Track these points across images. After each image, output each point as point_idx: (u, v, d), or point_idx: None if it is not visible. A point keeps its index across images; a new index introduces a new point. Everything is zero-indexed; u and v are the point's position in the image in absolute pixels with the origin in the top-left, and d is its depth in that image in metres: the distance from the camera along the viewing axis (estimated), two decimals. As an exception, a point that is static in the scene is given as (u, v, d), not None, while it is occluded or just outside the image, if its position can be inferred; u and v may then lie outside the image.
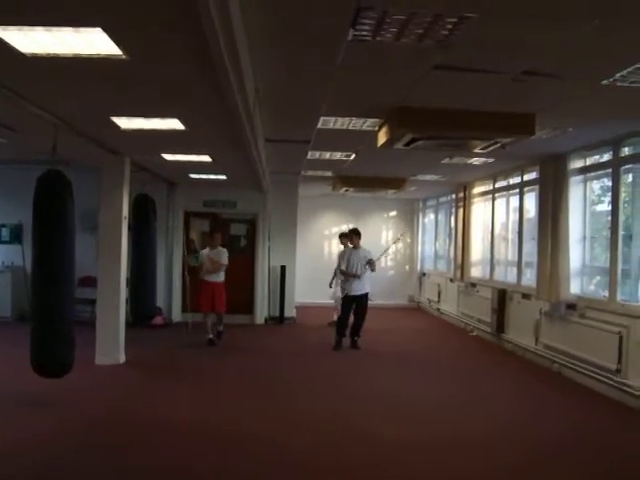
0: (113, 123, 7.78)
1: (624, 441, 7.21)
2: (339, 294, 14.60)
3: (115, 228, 10.33)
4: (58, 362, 6.71)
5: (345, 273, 12.72)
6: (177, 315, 15.67)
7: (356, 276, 12.53)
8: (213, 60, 4.49)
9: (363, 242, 13.02)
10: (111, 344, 10.29)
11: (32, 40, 4.69)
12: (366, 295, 12.70)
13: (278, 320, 16.10)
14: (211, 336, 12.49)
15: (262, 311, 16.19)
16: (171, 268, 15.71)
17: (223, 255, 12.77)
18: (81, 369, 8.15)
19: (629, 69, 5.74)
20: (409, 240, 21.15)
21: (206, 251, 12.97)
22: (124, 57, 5.04)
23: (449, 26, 4.80)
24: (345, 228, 17.95)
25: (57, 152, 6.90)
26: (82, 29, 4.47)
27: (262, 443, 6.79)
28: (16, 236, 14.57)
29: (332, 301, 15.26)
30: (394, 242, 17.84)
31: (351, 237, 13.12)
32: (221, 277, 12.78)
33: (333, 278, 15.30)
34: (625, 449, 6.95)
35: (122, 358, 10.42)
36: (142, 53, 5.06)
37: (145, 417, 7.59)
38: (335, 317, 15.05)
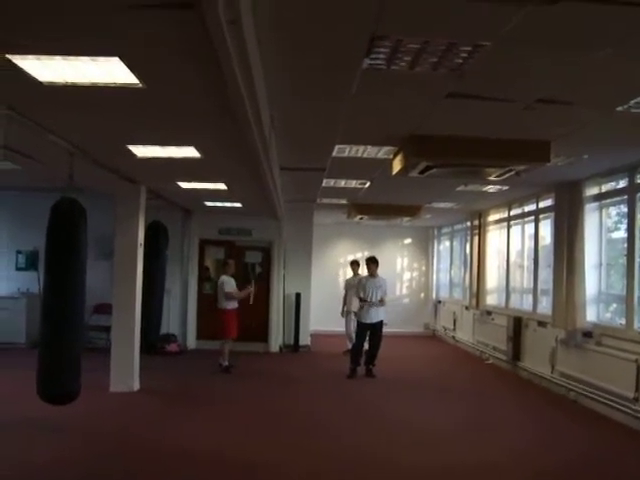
0: (129, 151, 7.84)
1: (641, 470, 7.14)
2: (351, 328, 14.65)
3: (130, 255, 10.35)
4: (63, 390, 6.70)
5: (362, 299, 12.69)
6: (192, 342, 15.65)
7: (370, 304, 12.49)
8: (229, 90, 4.52)
9: (378, 270, 12.99)
10: (125, 371, 10.27)
11: (50, 69, 4.75)
12: (381, 323, 12.65)
13: (293, 348, 16.05)
14: (227, 363, 12.46)
15: (277, 339, 16.15)
16: (186, 295, 15.72)
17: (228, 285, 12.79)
18: (95, 396, 8.18)
19: (644, 96, 5.75)
20: (424, 268, 21.11)
21: (227, 278, 12.94)
22: (141, 86, 5.09)
23: (463, 54, 4.82)
24: (360, 256, 17.98)
25: (73, 179, 6.95)
26: (100, 58, 4.52)
27: (276, 472, 6.75)
28: (32, 263, 14.62)
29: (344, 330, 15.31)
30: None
31: (368, 265, 13.10)
32: (236, 303, 12.77)
33: (344, 306, 15.32)
34: (642, 479, 6.87)
35: (136, 386, 10.41)
36: (158, 82, 5.11)
37: (158, 445, 7.55)
38: (349, 345, 15.05)
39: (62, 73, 4.84)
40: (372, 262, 12.95)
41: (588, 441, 8.29)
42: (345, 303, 15.42)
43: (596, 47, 4.60)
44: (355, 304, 13.50)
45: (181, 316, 15.53)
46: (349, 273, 17.70)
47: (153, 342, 11.49)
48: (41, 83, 5.05)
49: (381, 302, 12.66)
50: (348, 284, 15.54)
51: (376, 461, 7.20)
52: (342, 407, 9.95)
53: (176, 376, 12.03)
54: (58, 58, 4.53)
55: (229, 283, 12.81)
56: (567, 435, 8.54)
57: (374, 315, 12.56)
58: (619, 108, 6.17)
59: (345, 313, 15.46)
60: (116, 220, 10.52)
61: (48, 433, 7.77)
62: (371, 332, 12.57)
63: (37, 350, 6.64)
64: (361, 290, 12.72)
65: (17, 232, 14.73)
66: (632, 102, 5.95)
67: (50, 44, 4.33)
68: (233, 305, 12.75)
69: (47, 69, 4.75)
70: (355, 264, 15.80)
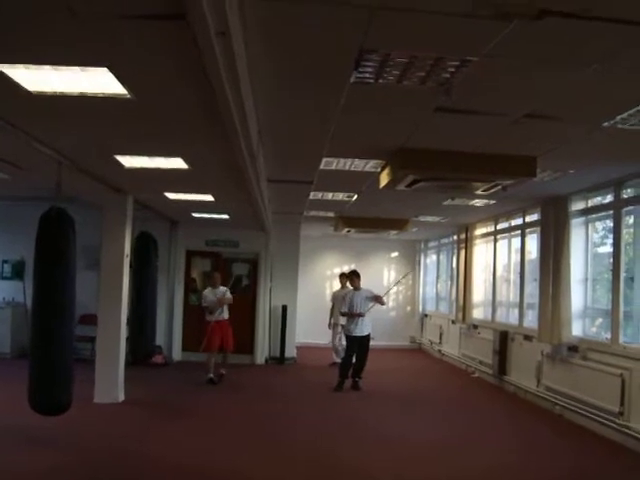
0: (117, 161, 7.83)
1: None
2: (337, 341, 14.70)
3: (117, 266, 10.33)
4: (55, 400, 6.68)
5: (347, 314, 12.68)
6: (177, 354, 15.60)
7: (359, 315, 12.48)
8: (217, 101, 4.54)
9: (365, 283, 13.01)
10: (110, 382, 10.22)
11: (39, 78, 4.75)
12: (367, 336, 12.65)
13: (279, 360, 16.01)
14: (212, 375, 12.44)
15: (263, 351, 16.11)
16: (172, 307, 15.67)
17: (227, 293, 12.81)
18: (79, 407, 8.11)
19: (630, 111, 5.78)
20: (411, 281, 21.14)
21: (208, 291, 12.97)
22: (129, 96, 5.10)
23: (451, 69, 4.85)
24: (346, 269, 17.97)
25: (61, 189, 6.94)
26: (89, 68, 4.53)
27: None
28: (18, 272, 14.56)
29: (330, 343, 15.32)
30: (399, 280, 17.73)
31: (351, 278, 13.12)
32: (226, 314, 12.80)
33: (330, 318, 15.35)
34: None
35: (121, 397, 10.35)
36: (147, 93, 5.12)
37: (141, 458, 7.50)
38: (335, 358, 15.04)
39: (51, 83, 4.84)
40: (355, 276, 12.96)
41: (573, 455, 8.29)
42: (332, 315, 15.43)
43: (583, 63, 4.64)
44: (343, 317, 13.52)
45: (167, 327, 15.47)
46: (336, 286, 17.74)
47: (149, 351, 11.46)
48: (30, 92, 5.05)
49: (381, 302, 12.80)
50: (335, 297, 15.55)
51: (359, 474, 7.19)
52: (328, 420, 9.91)
53: (161, 388, 11.98)
54: (47, 67, 4.53)
55: (207, 296, 12.85)
56: (552, 449, 8.55)
57: (363, 328, 12.53)
58: (605, 124, 6.21)
59: (332, 325, 15.48)
60: (103, 230, 10.49)
61: (29, 444, 7.70)
62: (359, 345, 12.55)
63: (24, 360, 6.60)
64: (346, 305, 12.71)
65: (3, 241, 14.67)
66: (618, 118, 6.00)
67: (39, 53, 4.33)
68: (214, 318, 12.71)
69: (36, 78, 4.76)
70: (343, 277, 15.82)
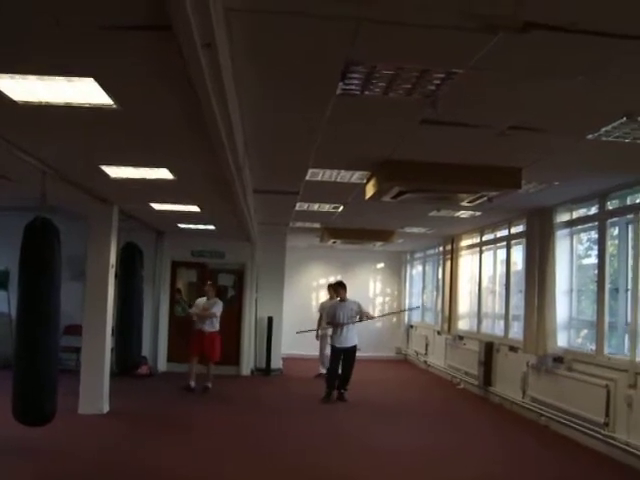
0: (102, 171, 7.82)
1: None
2: (325, 351, 14.70)
3: (102, 276, 10.28)
4: (40, 411, 6.63)
5: (332, 324, 12.69)
6: (163, 365, 15.53)
7: (343, 325, 12.48)
8: (203, 112, 4.53)
9: (351, 294, 13.01)
10: (95, 393, 10.15)
11: (24, 88, 4.74)
12: (354, 347, 12.62)
13: (265, 371, 15.97)
14: (192, 383, 12.49)
15: (248, 362, 16.05)
16: (157, 317, 15.60)
17: (216, 305, 12.85)
18: (64, 418, 8.05)
19: (614, 124, 5.81)
20: (396, 292, 21.16)
21: (199, 300, 13.15)
22: (115, 107, 5.10)
23: (436, 81, 4.87)
24: (332, 280, 17.96)
25: (46, 199, 6.91)
26: (74, 79, 4.52)
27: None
28: (2, 282, 14.42)
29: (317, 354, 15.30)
30: (391, 313, 17.50)
31: (336, 290, 13.13)
32: (214, 326, 12.85)
33: (318, 329, 15.30)
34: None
35: (106, 408, 10.29)
36: (133, 103, 5.12)
37: (125, 469, 7.44)
38: (321, 369, 15.01)
39: (36, 92, 4.83)
40: (341, 287, 12.96)
41: (558, 466, 8.30)
42: (319, 326, 15.38)
43: (568, 75, 4.67)
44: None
45: (152, 338, 15.38)
46: (322, 297, 17.72)
47: (136, 362, 11.42)
48: (15, 102, 5.03)
49: (368, 317, 12.83)
50: (323, 307, 15.53)
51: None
52: (314, 431, 9.89)
53: (146, 399, 11.92)
54: (32, 77, 4.52)
55: (197, 305, 13.19)
56: (538, 460, 8.56)
57: (348, 340, 12.51)
58: (590, 136, 6.24)
59: (320, 337, 15.44)
60: (88, 240, 10.45)
61: (13, 454, 7.63)
62: (344, 357, 12.53)
63: (8, 371, 6.56)
64: (329, 315, 12.74)
65: (-13, 252, 14.57)
66: (602, 130, 6.03)
67: (25, 63, 4.32)
68: (198, 326, 13.09)
69: (21, 88, 4.74)
70: (331, 287, 15.80)
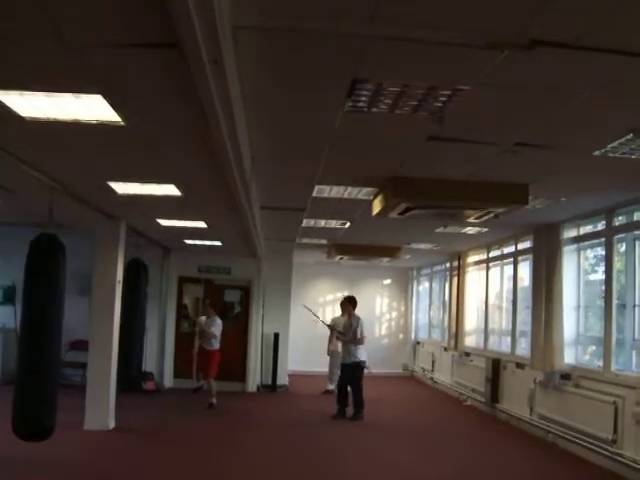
0: (110, 187, 7.84)
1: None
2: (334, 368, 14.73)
3: (109, 292, 10.29)
4: (38, 426, 6.62)
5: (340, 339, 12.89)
6: (169, 381, 15.50)
7: (343, 341, 12.64)
8: (210, 129, 4.56)
9: (358, 310, 12.97)
10: (101, 409, 10.13)
11: (32, 105, 4.77)
12: (355, 364, 12.36)
13: (271, 388, 15.92)
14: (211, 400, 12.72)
15: (255, 379, 16.01)
16: (164, 333, 15.59)
17: (215, 325, 12.97)
18: (69, 434, 8.06)
19: (620, 140, 5.82)
20: (403, 308, 21.13)
21: (203, 319, 13.34)
22: (122, 123, 5.12)
23: (443, 98, 4.88)
24: (340, 296, 17.93)
25: (53, 215, 6.93)
26: (82, 95, 4.54)
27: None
28: (8, 297, 14.45)
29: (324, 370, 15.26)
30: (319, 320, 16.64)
31: (343, 305, 13.11)
32: (212, 345, 12.86)
33: (329, 345, 15.26)
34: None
35: (112, 424, 10.27)
36: (140, 120, 5.14)
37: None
38: (328, 386, 14.97)
39: (44, 109, 4.85)
40: (348, 302, 12.96)
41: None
42: (330, 342, 15.32)
43: (574, 92, 4.68)
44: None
45: (158, 354, 15.38)
46: (328, 313, 17.71)
47: (135, 379, 11.41)
48: (23, 118, 5.06)
49: (354, 340, 12.52)
50: (335, 323, 15.56)
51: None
52: (320, 450, 9.85)
53: (152, 415, 11.88)
54: (41, 94, 4.55)
55: (197, 324, 13.70)
56: (546, 478, 8.51)
57: (349, 355, 12.43)
58: (596, 152, 6.24)
59: (330, 352, 15.37)
60: (95, 256, 10.47)
61: (18, 470, 7.61)
62: (346, 373, 12.45)
63: (13, 386, 6.56)
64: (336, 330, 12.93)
65: (-6, 267, 14.60)
66: (609, 146, 6.03)
67: (33, 80, 4.35)
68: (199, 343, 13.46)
69: (29, 104, 4.77)
70: (343, 303, 15.76)
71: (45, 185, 7.16)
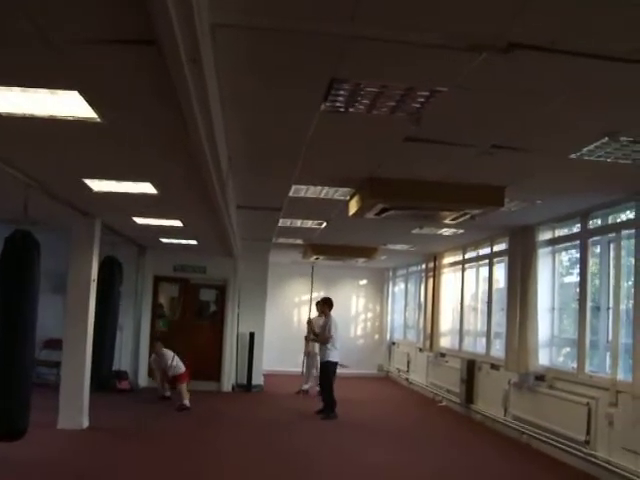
0: (85, 185, 7.78)
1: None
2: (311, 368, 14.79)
3: (83, 290, 10.21)
4: (12, 426, 6.57)
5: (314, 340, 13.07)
6: (144, 380, 15.40)
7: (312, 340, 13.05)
8: (187, 127, 4.53)
9: (333, 310, 13.03)
10: (74, 408, 10.05)
11: (8, 100, 4.72)
12: (325, 363, 12.66)
13: (246, 387, 15.89)
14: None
15: (229, 378, 15.98)
16: (139, 332, 15.50)
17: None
18: (42, 433, 7.99)
19: (596, 144, 5.86)
20: (379, 309, 21.17)
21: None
22: (99, 120, 5.08)
23: (421, 99, 4.89)
24: (315, 296, 17.95)
25: (27, 212, 6.88)
26: (58, 91, 4.51)
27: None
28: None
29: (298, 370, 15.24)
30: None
31: (321, 305, 13.22)
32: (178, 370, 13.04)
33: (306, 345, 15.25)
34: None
35: (85, 423, 10.19)
36: (117, 118, 5.11)
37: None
38: (304, 386, 14.94)
39: (20, 105, 4.81)
40: (324, 303, 13.13)
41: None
42: (307, 343, 15.31)
43: (550, 95, 4.71)
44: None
45: (133, 353, 15.30)
46: (304, 313, 17.69)
47: (106, 378, 11.33)
48: (-2, 114, 5.02)
49: (318, 340, 13.02)
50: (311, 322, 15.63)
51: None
52: (296, 449, 9.84)
53: (126, 414, 11.81)
54: (17, 89, 4.51)
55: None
56: (518, 478, 8.56)
57: (321, 355, 12.79)
58: (572, 155, 6.28)
59: (307, 353, 15.35)
60: (70, 254, 10.38)
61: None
62: (321, 372, 12.85)
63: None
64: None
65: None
66: (585, 149, 6.07)
67: (8, 75, 4.31)
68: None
69: (5, 100, 4.72)
70: (319, 304, 15.80)
71: (20, 182, 7.11)
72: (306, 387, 15.00)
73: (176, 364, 12.97)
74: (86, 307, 10.20)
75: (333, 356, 12.59)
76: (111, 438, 9.87)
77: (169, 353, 13.09)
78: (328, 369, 12.57)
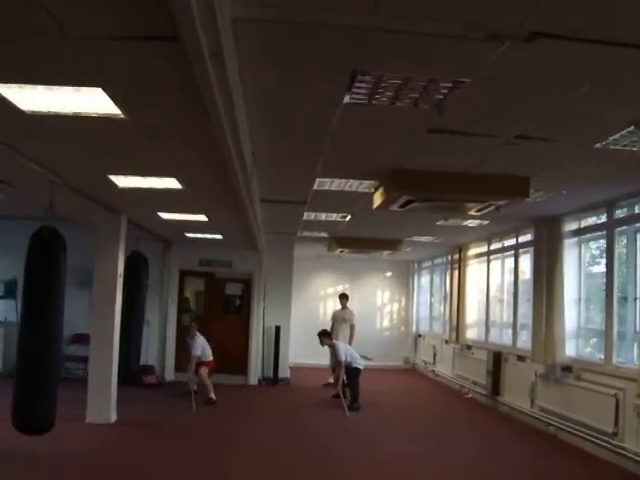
0: (110, 181, 7.84)
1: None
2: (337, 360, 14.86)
3: (110, 286, 10.28)
4: (37, 420, 6.64)
5: None
6: (170, 374, 15.50)
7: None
8: (211, 122, 4.55)
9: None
10: (102, 402, 10.14)
11: (33, 98, 4.76)
12: (352, 369, 12.74)
13: (272, 381, 15.94)
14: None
15: (256, 372, 16.03)
16: (165, 327, 15.61)
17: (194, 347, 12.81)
18: (71, 427, 8.05)
19: (621, 132, 5.81)
20: (404, 301, 21.14)
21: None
22: (123, 117, 5.11)
23: (443, 90, 4.87)
24: (341, 289, 18.00)
25: (53, 208, 6.93)
26: (82, 88, 4.54)
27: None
28: (10, 291, 14.44)
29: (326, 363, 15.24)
30: None
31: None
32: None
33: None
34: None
35: (113, 417, 10.28)
36: (140, 113, 5.14)
37: (133, 478, 7.46)
38: (329, 379, 14.96)
39: (45, 102, 4.85)
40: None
41: (568, 476, 8.27)
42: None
43: (574, 84, 4.67)
44: (342, 337, 13.95)
45: (160, 348, 15.41)
46: (329, 306, 17.72)
47: (133, 373, 11.40)
48: (23, 112, 5.06)
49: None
50: (335, 316, 15.66)
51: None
52: (327, 442, 9.86)
53: (153, 408, 11.90)
54: (41, 87, 4.55)
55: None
56: (547, 470, 8.52)
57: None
58: (597, 145, 6.23)
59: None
60: (96, 250, 10.45)
61: (20, 464, 7.61)
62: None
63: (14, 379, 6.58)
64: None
65: (-4, 260, 14.59)
66: (610, 139, 6.02)
67: (33, 73, 4.35)
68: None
69: (30, 98, 4.77)
70: (343, 297, 15.85)
71: (46, 178, 7.17)
72: (332, 380, 15.01)
73: (204, 351, 12.92)
74: (113, 302, 10.27)
75: (357, 363, 12.80)
76: (139, 432, 9.94)
77: (200, 338, 13.03)
78: (354, 373, 12.71)
